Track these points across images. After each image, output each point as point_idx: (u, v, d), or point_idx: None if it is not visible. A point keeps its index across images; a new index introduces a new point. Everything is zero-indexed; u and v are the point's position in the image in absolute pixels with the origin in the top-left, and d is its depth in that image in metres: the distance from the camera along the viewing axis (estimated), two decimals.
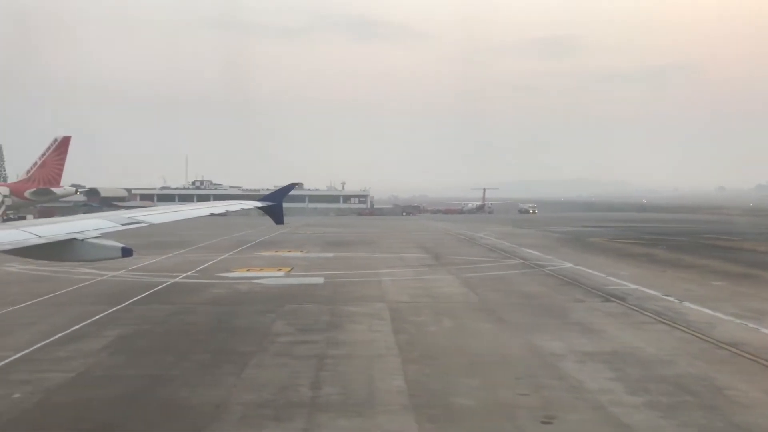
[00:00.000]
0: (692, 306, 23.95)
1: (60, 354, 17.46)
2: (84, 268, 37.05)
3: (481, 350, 17.62)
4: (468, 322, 21.40)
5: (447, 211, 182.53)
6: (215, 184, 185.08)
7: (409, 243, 56.45)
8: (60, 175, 77.87)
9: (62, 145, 77.64)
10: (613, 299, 25.48)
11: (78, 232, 12.06)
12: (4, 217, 72.75)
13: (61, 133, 78.01)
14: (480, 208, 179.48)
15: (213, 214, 25.98)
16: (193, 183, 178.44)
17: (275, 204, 22.46)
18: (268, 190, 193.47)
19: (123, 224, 13.82)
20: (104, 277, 32.98)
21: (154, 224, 16.45)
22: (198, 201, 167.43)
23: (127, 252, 11.93)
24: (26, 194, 76.00)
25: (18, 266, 38.15)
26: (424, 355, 17.08)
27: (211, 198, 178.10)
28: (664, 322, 21.08)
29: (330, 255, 44.92)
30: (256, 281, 31.42)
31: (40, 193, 76.25)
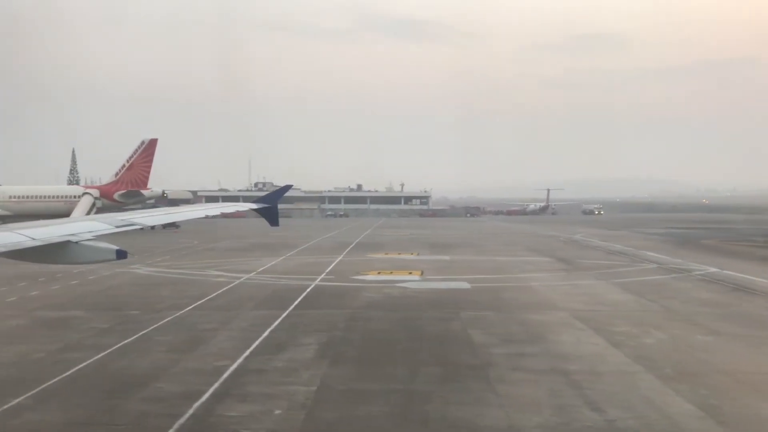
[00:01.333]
0: None
1: (278, 364, 16.52)
2: (213, 270, 36.81)
3: (733, 367, 16.04)
4: (681, 334, 19.78)
5: (509, 212, 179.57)
6: (275, 186, 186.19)
7: (515, 246, 54.80)
8: (147, 178, 78.61)
9: (149, 148, 78.37)
10: None
11: (72, 235, 11.92)
12: None
13: (147, 136, 78.89)
14: (544, 209, 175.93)
15: (207, 216, 25.41)
16: (255, 185, 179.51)
17: (271, 206, 22.06)
18: (329, 191, 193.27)
19: (117, 226, 13.48)
20: (241, 280, 32.38)
21: (147, 226, 16.15)
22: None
23: (121, 254, 11.71)
24: (115, 196, 76.88)
25: (145, 268, 38.10)
26: (680, 372, 15.58)
27: None
28: None
29: (447, 258, 43.61)
30: (400, 285, 30.28)
31: (129, 195, 77.01)
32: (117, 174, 78.60)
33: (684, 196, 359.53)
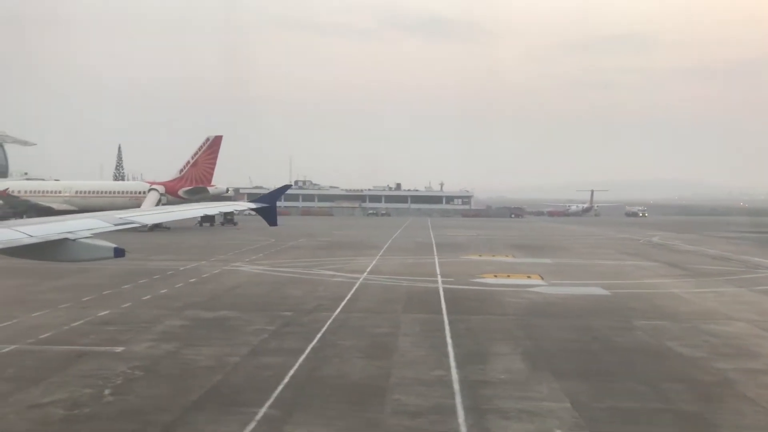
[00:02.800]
0: None
1: (500, 376, 15.50)
2: (321, 269, 36.03)
3: None
4: None
5: (551, 213, 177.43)
6: (314, 184, 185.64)
7: (604, 249, 53.37)
8: (212, 174, 78.26)
9: (214, 144, 78.03)
10: None
11: (70, 232, 11.86)
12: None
13: (213, 133, 78.59)
14: (587, 211, 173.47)
15: (206, 215, 24.85)
16: (296, 183, 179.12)
17: (269, 206, 21.37)
18: (369, 190, 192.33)
19: (116, 224, 13.31)
20: (360, 281, 31.43)
21: (146, 224, 15.78)
22: (303, 200, 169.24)
23: (119, 252, 11.60)
24: (180, 192, 76.68)
25: (249, 267, 37.49)
26: None
27: (316, 198, 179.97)
28: None
29: (548, 261, 42.34)
30: (533, 290, 29.13)
31: (194, 192, 76.71)
32: (181, 170, 78.35)
33: (716, 199, 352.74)
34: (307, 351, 17.61)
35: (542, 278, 33.20)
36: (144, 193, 76.26)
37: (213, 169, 78.02)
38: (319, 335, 19.50)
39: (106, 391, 14.12)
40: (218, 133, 78.19)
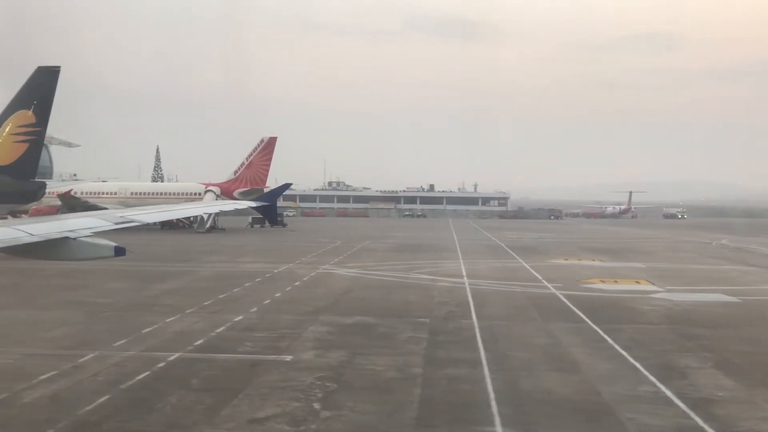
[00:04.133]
0: None
1: (739, 395, 14.53)
2: (417, 273, 35.23)
3: None
4: None
5: (587, 215, 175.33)
6: (347, 185, 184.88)
7: (686, 253, 52.09)
8: (266, 175, 77.87)
9: (269, 146, 77.65)
10: None
11: (71, 231, 11.89)
12: (216, 219, 73.32)
13: (267, 134, 78.26)
14: (624, 212, 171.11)
15: (206, 213, 24.63)
16: (330, 184, 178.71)
17: (270, 204, 20.58)
18: (403, 191, 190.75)
19: (116, 223, 13.23)
20: (465, 285, 30.48)
21: (146, 223, 15.71)
22: (338, 201, 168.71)
23: (119, 251, 11.66)
24: (235, 194, 76.27)
25: (341, 270, 36.80)
26: None
27: (351, 200, 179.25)
28: None
29: (640, 265, 41.08)
30: (655, 296, 27.97)
31: (251, 193, 76.30)
32: (236, 172, 78.09)
33: (743, 200, 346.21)
34: (484, 362, 16.71)
35: (653, 284, 32.03)
36: (200, 194, 76.04)
37: (268, 170, 77.68)
38: (479, 345, 18.59)
39: (316, 405, 13.33)
40: (272, 135, 77.89)
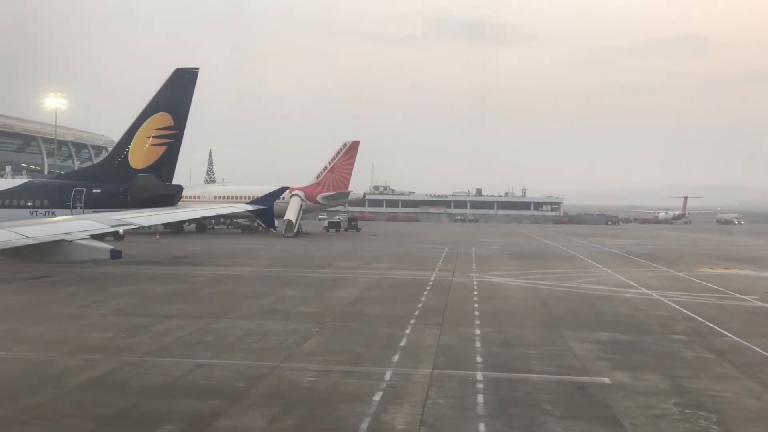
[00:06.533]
0: None
1: None
2: (578, 282, 33.59)
3: None
4: None
5: (641, 220, 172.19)
6: (392, 189, 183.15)
7: None
8: (348, 179, 76.72)
9: (351, 150, 76.56)
10: None
11: (67, 234, 12.42)
12: (299, 222, 72.30)
13: (350, 138, 77.25)
14: (678, 218, 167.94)
15: (203, 217, 24.14)
16: (376, 187, 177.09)
17: (266, 207, 19.39)
18: (453, 195, 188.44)
19: (113, 226, 13.97)
20: (654, 297, 28.64)
21: (142, 225, 14.75)
22: (386, 206, 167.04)
23: (115, 254, 12.03)
24: (319, 198, 75.41)
25: (496, 278, 35.30)
26: None
27: (400, 204, 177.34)
28: None
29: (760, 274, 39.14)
30: None
31: (334, 198, 75.56)
32: (319, 176, 77.11)
33: None
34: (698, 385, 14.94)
35: None
36: (284, 198, 75.13)
37: (350, 174, 76.61)
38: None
39: None
40: (355, 139, 76.83)
